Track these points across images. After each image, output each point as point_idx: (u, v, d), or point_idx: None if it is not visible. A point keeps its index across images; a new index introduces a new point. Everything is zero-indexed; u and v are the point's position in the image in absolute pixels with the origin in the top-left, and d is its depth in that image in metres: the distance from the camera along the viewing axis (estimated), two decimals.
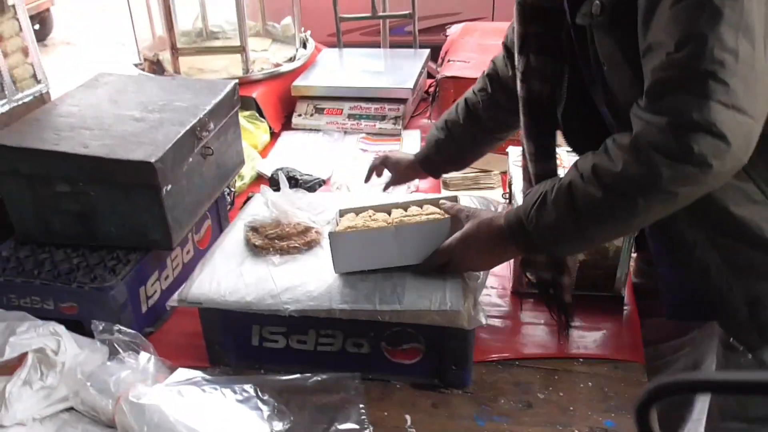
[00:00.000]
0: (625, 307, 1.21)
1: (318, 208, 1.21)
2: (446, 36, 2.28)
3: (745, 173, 0.85)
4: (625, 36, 0.82)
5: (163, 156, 1.10)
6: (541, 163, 1.04)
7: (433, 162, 1.33)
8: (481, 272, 1.04)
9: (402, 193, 1.49)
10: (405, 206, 1.12)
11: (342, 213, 1.13)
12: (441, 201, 1.08)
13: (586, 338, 1.13)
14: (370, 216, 1.09)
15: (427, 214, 1.05)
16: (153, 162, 1.08)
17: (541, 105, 1.01)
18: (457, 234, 0.99)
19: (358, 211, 1.13)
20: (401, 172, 1.38)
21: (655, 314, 1.19)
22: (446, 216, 1.02)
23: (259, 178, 1.69)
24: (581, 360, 1.09)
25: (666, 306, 1.04)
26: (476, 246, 0.97)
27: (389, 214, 1.10)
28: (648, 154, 0.77)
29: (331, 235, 0.99)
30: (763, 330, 0.92)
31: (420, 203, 1.12)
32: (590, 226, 0.86)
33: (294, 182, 1.55)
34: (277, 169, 1.62)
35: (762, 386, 0.40)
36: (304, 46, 2.17)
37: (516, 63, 1.02)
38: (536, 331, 1.15)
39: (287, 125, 1.96)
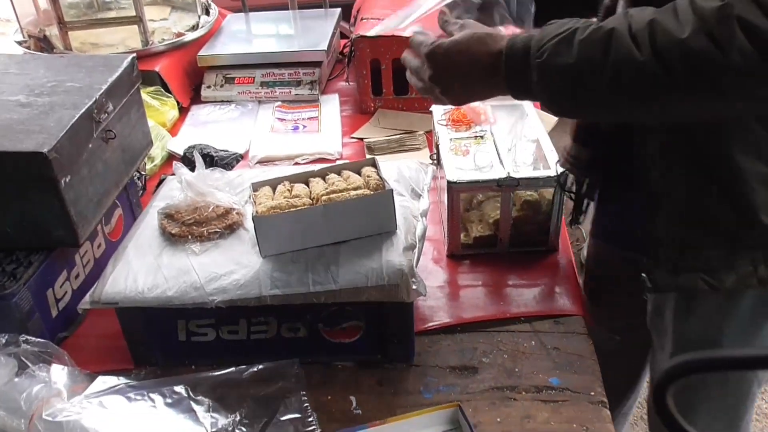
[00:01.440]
0: (560, 260, 1.20)
1: (238, 187, 1.13)
2: None
3: (757, 120, 0.77)
4: None
5: (57, 144, 0.99)
6: None
7: None
8: (417, 239, 0.99)
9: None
10: (322, 174, 1.06)
11: (256, 187, 1.05)
12: (413, 36, 0.92)
13: (525, 295, 1.12)
14: (288, 190, 1.02)
15: (349, 185, 0.99)
16: (46, 152, 0.97)
17: None
18: (445, 42, 0.83)
19: (272, 183, 1.06)
20: None
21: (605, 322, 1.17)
22: (377, 191, 0.96)
23: (170, 158, 1.58)
24: (522, 319, 1.07)
25: (596, 228, 1.02)
26: (462, 65, 0.82)
27: (307, 184, 1.04)
28: (732, 31, 0.61)
29: (255, 219, 0.92)
30: (677, 273, 0.88)
31: (338, 169, 1.06)
32: (613, 91, 0.70)
33: (209, 160, 1.46)
34: (190, 147, 1.52)
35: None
36: (207, 13, 2.03)
37: None
38: (475, 294, 1.13)
39: (196, 98, 1.84)
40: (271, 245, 0.94)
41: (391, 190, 0.95)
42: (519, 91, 0.79)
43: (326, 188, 0.97)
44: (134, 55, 1.26)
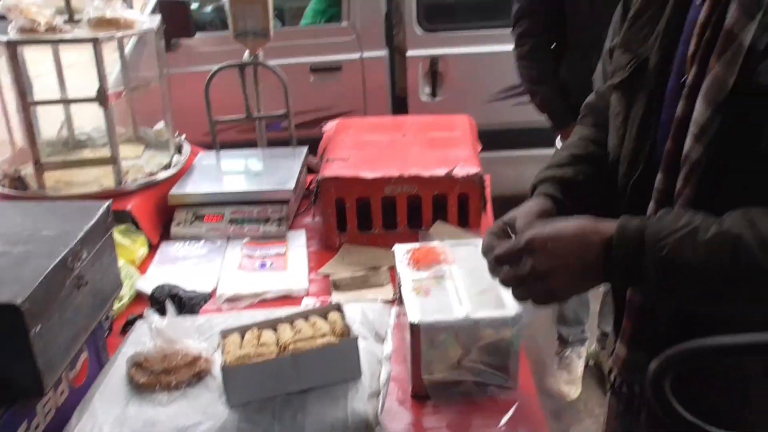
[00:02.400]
0: (522, 397, 1.23)
1: (206, 332, 1.16)
2: (322, 131, 2.33)
3: None
4: None
5: (30, 295, 1.02)
6: None
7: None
8: (381, 385, 1.02)
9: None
10: (290, 320, 1.10)
11: (225, 334, 1.09)
12: (505, 221, 0.94)
13: None
14: (257, 338, 1.05)
15: (316, 332, 1.03)
16: (19, 304, 0.99)
17: None
18: (545, 231, 0.81)
19: (241, 330, 1.09)
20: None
21: None
22: (344, 338, 1.00)
23: (139, 297, 1.60)
24: None
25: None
26: (568, 256, 0.79)
27: (275, 330, 1.07)
28: None
29: (223, 369, 0.95)
30: None
31: (305, 315, 1.11)
32: (741, 295, 0.71)
33: (178, 301, 1.48)
34: (159, 287, 1.55)
35: None
36: (179, 152, 2.13)
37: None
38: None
39: (165, 235, 1.89)
40: (238, 395, 0.96)
41: (356, 338, 0.99)
42: (628, 281, 0.79)
43: (293, 336, 1.01)
44: (110, 201, 1.32)
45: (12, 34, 1.76)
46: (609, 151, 1.00)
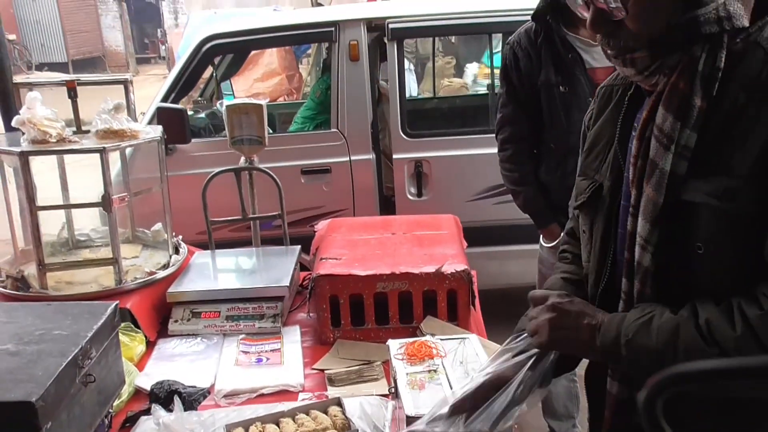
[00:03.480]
0: None
1: (210, 427, 1.20)
2: (314, 230, 2.43)
3: None
4: (743, 225, 0.86)
5: (44, 393, 1.07)
6: None
7: None
8: None
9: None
10: (292, 414, 1.15)
11: (229, 429, 1.13)
12: (530, 294, 1.11)
13: None
14: (260, 431, 1.10)
15: (318, 425, 1.08)
16: (34, 401, 1.04)
17: None
18: (564, 300, 1.03)
19: (245, 425, 1.13)
20: None
21: None
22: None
23: (137, 394, 1.63)
24: None
25: None
26: (569, 328, 1.00)
27: (278, 425, 1.12)
28: None
29: None
30: None
31: (306, 409, 1.16)
32: None
33: (178, 396, 1.52)
34: (158, 383, 1.58)
35: (762, 370, 0.44)
36: (177, 251, 2.21)
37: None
38: None
39: (163, 332, 1.94)
40: None
41: (357, 431, 1.04)
42: (611, 360, 0.98)
43: (297, 430, 1.06)
44: (117, 303, 1.39)
45: (24, 145, 1.88)
46: (583, 264, 1.17)
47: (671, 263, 0.95)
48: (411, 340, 1.55)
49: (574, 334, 1.00)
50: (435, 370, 1.42)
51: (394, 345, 1.52)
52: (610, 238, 1.06)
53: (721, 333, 0.85)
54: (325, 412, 1.13)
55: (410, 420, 1.23)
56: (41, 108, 1.93)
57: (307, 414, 1.13)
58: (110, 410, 1.51)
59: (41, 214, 2.00)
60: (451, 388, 1.33)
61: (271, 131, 4.10)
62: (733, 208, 0.87)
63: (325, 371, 1.69)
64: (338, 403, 1.14)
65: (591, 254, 1.11)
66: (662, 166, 0.94)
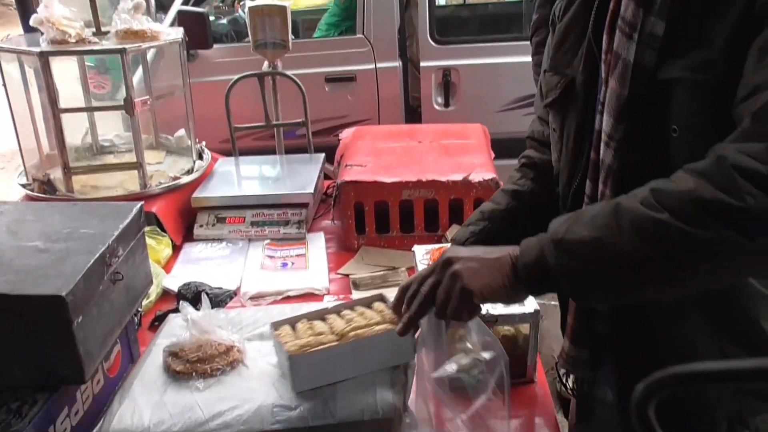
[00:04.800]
0: (538, 392, 1.28)
1: (237, 324, 1.21)
2: (338, 139, 2.39)
3: None
4: (721, 97, 0.77)
5: (73, 288, 1.08)
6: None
7: None
8: (408, 374, 1.07)
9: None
10: (337, 311, 1.15)
11: (276, 326, 1.13)
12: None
13: (507, 428, 1.18)
14: (310, 328, 1.10)
15: (369, 320, 1.07)
16: (64, 295, 1.05)
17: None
18: (461, 248, 0.91)
19: (291, 322, 1.13)
20: None
21: None
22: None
23: (165, 295, 1.66)
24: None
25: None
26: (478, 255, 0.86)
27: (324, 320, 1.12)
28: (732, 179, 0.68)
29: (290, 358, 1.00)
30: None
31: (351, 305, 1.16)
32: (638, 248, 0.73)
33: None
34: (185, 284, 1.61)
35: (761, 372, 0.44)
36: (201, 158, 2.20)
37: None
38: (459, 427, 1.19)
39: (188, 236, 1.95)
40: (304, 381, 1.01)
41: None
42: (538, 281, 0.81)
43: (348, 324, 1.06)
44: (142, 203, 1.38)
45: (44, 45, 1.83)
46: (553, 165, 1.10)
47: (637, 161, 0.88)
48: (437, 246, 1.54)
49: (488, 271, 0.84)
50: None
51: (420, 251, 1.51)
52: (584, 137, 0.97)
53: (670, 192, 0.72)
54: (370, 308, 1.12)
55: None
56: (59, 7, 1.87)
57: (353, 310, 1.13)
58: (139, 309, 1.55)
59: (64, 119, 1.99)
60: None
61: (294, 38, 4.00)
62: (710, 79, 0.78)
63: (350, 276, 1.69)
64: (381, 298, 1.14)
65: (562, 154, 1.04)
66: (625, 56, 0.87)
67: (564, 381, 1.11)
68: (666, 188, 0.73)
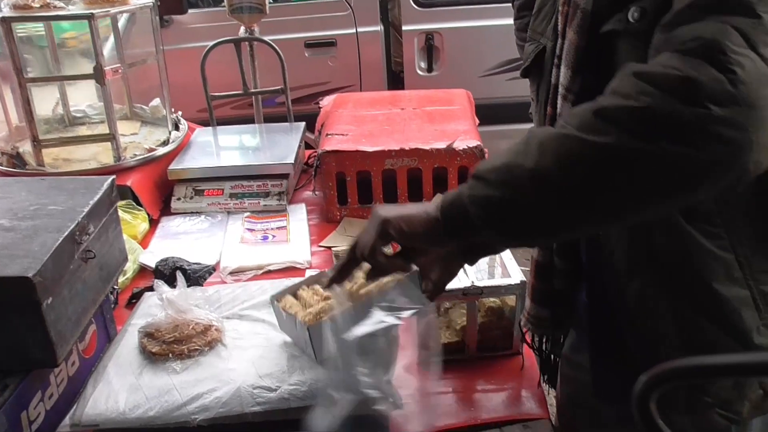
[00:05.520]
0: (525, 363, 1.26)
1: (215, 303, 1.17)
2: (319, 106, 2.33)
3: (730, 247, 0.81)
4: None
5: (41, 269, 1.03)
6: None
7: None
8: (393, 347, 1.04)
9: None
10: None
11: (278, 298, 1.09)
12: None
13: (494, 400, 1.17)
14: (315, 294, 1.05)
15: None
16: (31, 276, 1.00)
17: None
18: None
19: (291, 291, 1.09)
20: None
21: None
22: (407, 274, 0.97)
23: (142, 271, 1.61)
24: (493, 425, 1.12)
25: (594, 383, 0.98)
26: (407, 207, 0.82)
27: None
28: (630, 83, 0.65)
29: (310, 329, 0.96)
30: (693, 412, 0.87)
31: None
32: (534, 174, 0.68)
33: (182, 273, 1.50)
34: (163, 260, 1.56)
35: (762, 367, 0.42)
36: (177, 128, 2.13)
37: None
38: (446, 401, 1.17)
39: (166, 210, 1.90)
40: (327, 349, 0.96)
41: (417, 270, 0.97)
42: (452, 216, 0.76)
43: (354, 283, 1.00)
44: (113, 177, 1.32)
45: (6, 11, 1.75)
46: None
47: None
48: None
49: (410, 208, 0.82)
50: None
51: None
52: (555, 103, 0.94)
53: (576, 110, 0.68)
54: None
55: None
56: None
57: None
58: (115, 287, 1.50)
59: (34, 90, 1.91)
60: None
61: (271, 2, 3.89)
62: (645, 25, 0.74)
63: (332, 248, 1.65)
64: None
65: (537, 122, 1.03)
66: (583, 6, 0.84)
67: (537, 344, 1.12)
68: (575, 109, 0.70)
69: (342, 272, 0.89)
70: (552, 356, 1.16)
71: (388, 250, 0.88)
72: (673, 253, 0.83)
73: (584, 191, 0.67)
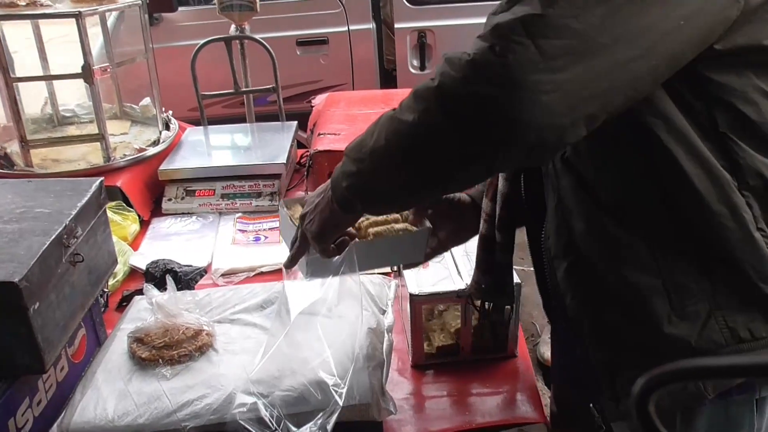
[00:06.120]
0: (519, 366, 1.25)
1: (206, 306, 1.16)
2: (311, 105, 2.31)
3: (641, 235, 0.81)
4: None
5: (27, 273, 1.01)
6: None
7: None
8: (385, 356, 1.03)
9: None
10: None
11: (288, 204, 1.07)
12: None
13: (489, 404, 1.16)
14: None
15: (388, 217, 1.03)
16: (17, 281, 0.98)
17: None
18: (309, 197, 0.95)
19: (302, 202, 1.06)
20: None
21: None
22: (419, 228, 1.01)
23: (132, 273, 1.59)
24: (488, 430, 1.10)
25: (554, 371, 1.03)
26: (318, 204, 0.90)
27: None
28: (440, 67, 0.71)
29: (355, 245, 0.95)
30: (618, 400, 0.86)
31: None
32: (374, 150, 0.77)
33: (173, 275, 1.48)
34: (153, 262, 1.54)
35: (761, 368, 0.41)
36: (167, 128, 2.10)
37: None
38: (440, 405, 1.16)
39: (157, 211, 1.87)
40: (315, 271, 0.98)
41: (429, 228, 1.01)
42: (337, 194, 0.84)
43: (366, 218, 1.00)
44: (102, 178, 1.30)
45: None
46: None
47: None
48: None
49: (319, 211, 0.90)
50: None
51: None
52: None
53: (422, 83, 0.74)
54: None
55: (414, 298, 1.19)
56: None
57: None
58: (105, 290, 1.48)
59: (22, 89, 1.88)
60: (456, 265, 1.29)
61: None
62: None
63: None
64: None
65: None
66: None
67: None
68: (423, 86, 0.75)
69: (294, 260, 0.99)
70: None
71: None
72: (589, 239, 0.85)
73: (406, 161, 0.76)
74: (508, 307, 1.18)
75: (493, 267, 1.07)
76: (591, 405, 0.94)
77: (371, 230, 1.00)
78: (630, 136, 0.77)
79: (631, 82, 0.68)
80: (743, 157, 0.76)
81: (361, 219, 1.00)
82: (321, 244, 0.93)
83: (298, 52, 3.17)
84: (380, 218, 1.02)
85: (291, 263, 1.00)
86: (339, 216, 0.88)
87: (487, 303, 1.17)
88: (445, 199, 1.09)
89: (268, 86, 2.20)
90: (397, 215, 1.04)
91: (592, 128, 0.70)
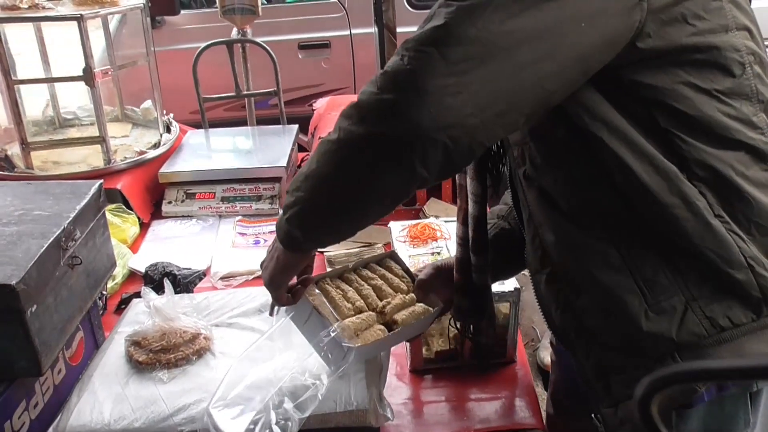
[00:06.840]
0: (518, 371, 1.25)
1: (204, 310, 1.15)
2: (312, 109, 2.31)
3: (606, 237, 0.82)
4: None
5: (25, 276, 1.00)
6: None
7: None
8: (383, 360, 1.03)
9: None
10: (355, 269, 1.09)
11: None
12: None
13: (487, 409, 1.15)
14: (340, 292, 1.03)
15: (394, 288, 1.07)
16: (14, 284, 0.98)
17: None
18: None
19: (315, 280, 1.06)
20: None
21: None
22: (434, 308, 1.05)
23: (132, 276, 1.59)
24: None
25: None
26: (270, 251, 0.94)
27: (345, 281, 1.06)
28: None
29: (357, 349, 0.93)
30: (617, 405, 0.86)
31: (364, 263, 1.11)
32: (310, 175, 0.79)
33: (172, 278, 1.47)
34: (152, 265, 1.54)
35: (763, 371, 0.41)
36: (168, 130, 2.10)
37: None
38: (439, 410, 1.15)
39: (157, 213, 1.87)
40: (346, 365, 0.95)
41: (442, 307, 1.05)
42: (283, 233, 0.86)
43: (378, 294, 1.04)
44: (101, 181, 1.30)
45: None
46: None
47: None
48: (414, 222, 1.49)
49: (269, 258, 0.95)
50: (439, 252, 1.36)
51: (396, 227, 1.46)
52: None
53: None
54: (381, 266, 1.11)
55: None
56: None
57: (371, 270, 1.10)
58: (104, 292, 1.48)
59: (23, 91, 1.88)
60: None
61: (265, 2, 3.86)
62: None
63: (325, 253, 1.63)
64: (392, 256, 1.11)
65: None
66: None
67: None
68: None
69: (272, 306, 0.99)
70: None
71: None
72: (560, 248, 0.87)
73: (336, 178, 0.78)
74: (492, 329, 1.17)
75: (471, 289, 1.08)
76: (593, 416, 0.93)
77: (396, 316, 1.02)
78: (576, 142, 0.80)
79: (538, 81, 0.71)
80: (688, 150, 0.77)
81: (384, 302, 1.03)
82: (274, 291, 0.94)
83: (300, 56, 3.18)
84: (398, 300, 1.04)
85: (270, 311, 1.01)
86: (287, 257, 0.90)
87: (468, 324, 1.16)
88: (440, 270, 1.11)
89: (269, 89, 2.21)
90: (413, 295, 1.06)
91: (513, 129, 0.75)
